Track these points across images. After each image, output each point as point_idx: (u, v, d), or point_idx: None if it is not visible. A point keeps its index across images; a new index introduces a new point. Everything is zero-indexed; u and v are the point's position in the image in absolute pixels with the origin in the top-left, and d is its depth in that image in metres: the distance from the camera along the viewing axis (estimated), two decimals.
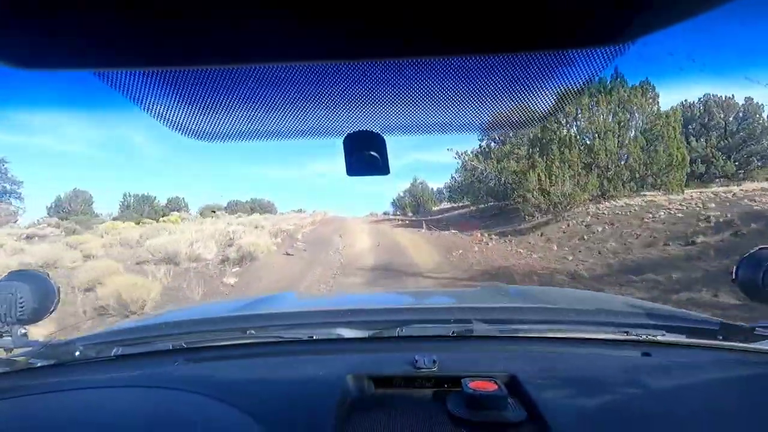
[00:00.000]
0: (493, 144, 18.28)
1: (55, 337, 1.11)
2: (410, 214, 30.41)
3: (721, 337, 0.97)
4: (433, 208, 31.52)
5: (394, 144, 0.76)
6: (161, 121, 0.56)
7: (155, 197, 36.62)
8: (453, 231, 14.41)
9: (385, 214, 33.47)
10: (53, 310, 0.98)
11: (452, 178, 27.17)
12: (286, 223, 17.48)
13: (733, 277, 1.01)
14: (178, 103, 0.53)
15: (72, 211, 31.81)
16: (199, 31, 0.34)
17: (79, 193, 34.16)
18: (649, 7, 0.36)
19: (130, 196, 35.96)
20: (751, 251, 0.99)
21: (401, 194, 35.52)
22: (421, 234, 14.72)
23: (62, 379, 0.91)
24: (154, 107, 0.52)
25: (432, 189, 36.14)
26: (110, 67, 0.40)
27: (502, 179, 16.08)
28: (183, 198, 39.81)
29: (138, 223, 21.62)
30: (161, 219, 24.38)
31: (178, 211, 33.00)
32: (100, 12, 0.32)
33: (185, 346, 1.01)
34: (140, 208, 33.58)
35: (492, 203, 18.28)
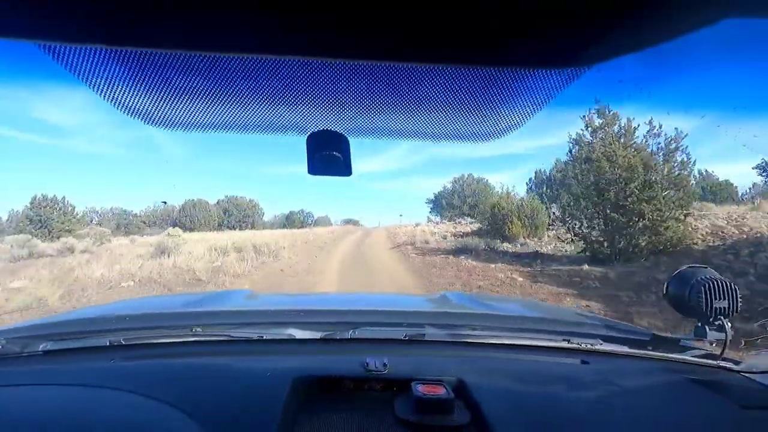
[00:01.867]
0: None
1: None
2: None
3: (650, 348, 1.05)
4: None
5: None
6: (116, 106, 0.53)
7: None
8: None
9: (437, 250, 12.46)
10: None
11: None
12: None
13: (664, 292, 1.10)
14: (138, 87, 0.50)
15: None
16: (168, 11, 0.33)
17: None
18: (604, 36, 0.39)
19: None
20: (680, 270, 1.08)
21: (447, 187, 18.46)
22: None
23: None
24: (110, 90, 0.50)
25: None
26: (63, 40, 0.38)
27: None
28: (67, 200, 24.87)
29: None
30: None
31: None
32: None
33: (123, 342, 0.95)
34: None
35: None
